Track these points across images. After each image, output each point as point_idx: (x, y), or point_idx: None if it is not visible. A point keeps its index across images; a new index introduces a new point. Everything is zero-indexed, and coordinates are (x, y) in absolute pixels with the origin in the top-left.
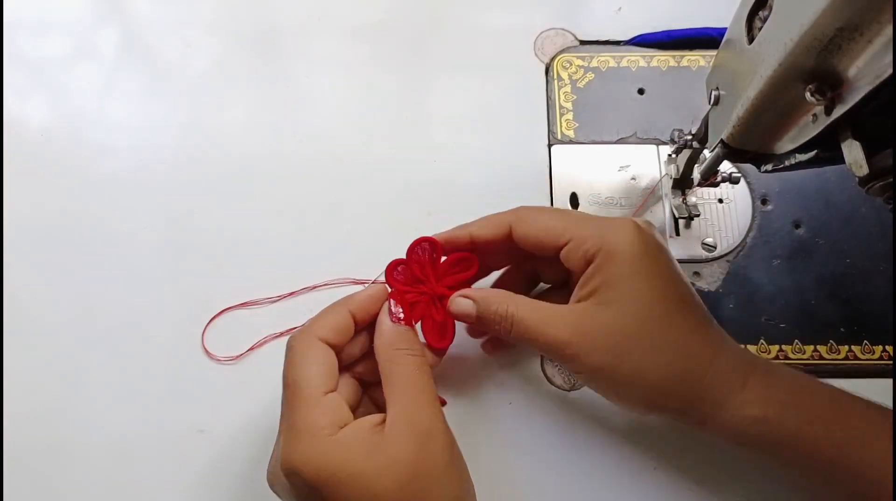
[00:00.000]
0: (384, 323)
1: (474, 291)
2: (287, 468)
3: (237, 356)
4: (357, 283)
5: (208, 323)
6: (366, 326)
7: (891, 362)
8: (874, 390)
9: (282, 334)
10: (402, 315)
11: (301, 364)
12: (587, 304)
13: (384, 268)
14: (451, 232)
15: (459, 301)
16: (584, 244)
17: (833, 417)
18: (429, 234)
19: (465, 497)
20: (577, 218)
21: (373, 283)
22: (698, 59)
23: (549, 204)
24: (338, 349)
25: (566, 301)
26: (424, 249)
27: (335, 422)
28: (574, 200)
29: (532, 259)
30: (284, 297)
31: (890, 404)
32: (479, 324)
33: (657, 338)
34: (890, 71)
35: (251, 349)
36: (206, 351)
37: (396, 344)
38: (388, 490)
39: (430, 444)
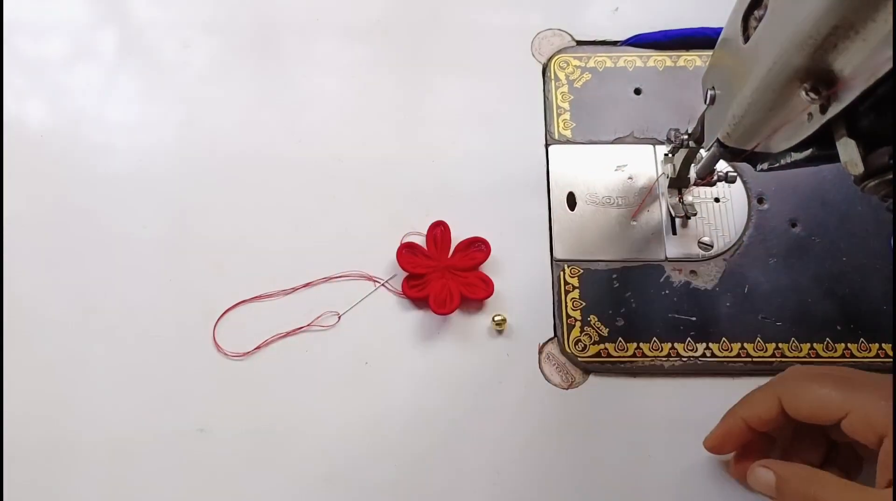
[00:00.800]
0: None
1: (775, 463)
2: None
3: (246, 353)
4: (369, 278)
5: (220, 317)
6: None
7: (887, 359)
8: None
9: (288, 333)
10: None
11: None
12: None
13: (383, 269)
14: (723, 426)
15: (759, 472)
16: (869, 418)
17: None
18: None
19: None
20: (854, 383)
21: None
22: (694, 59)
23: (546, 204)
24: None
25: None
26: (437, 233)
27: None
28: (571, 199)
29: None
30: (298, 289)
31: None
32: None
33: None
34: (885, 69)
35: (259, 347)
36: (218, 346)
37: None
38: None
39: None
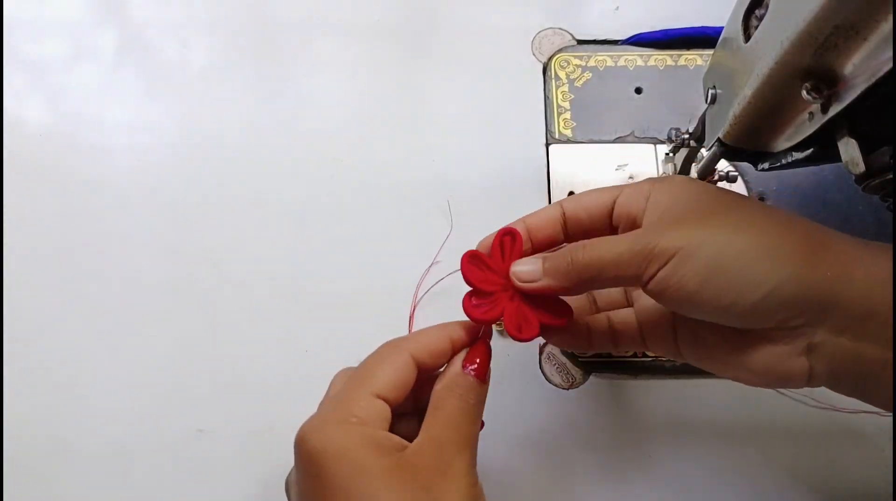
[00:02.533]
0: (454, 366)
1: (540, 254)
2: (299, 437)
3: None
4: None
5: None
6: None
7: None
8: None
9: None
10: (475, 368)
11: (378, 364)
12: (660, 223)
13: (382, 269)
14: (506, 227)
15: (517, 269)
16: (632, 196)
17: None
18: (428, 232)
19: None
20: (622, 185)
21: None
22: (695, 59)
23: (547, 203)
24: (423, 374)
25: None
26: (505, 243)
27: (367, 421)
28: None
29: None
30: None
31: None
32: (549, 285)
33: (743, 213)
34: (886, 68)
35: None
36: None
37: (458, 388)
38: (390, 490)
39: (451, 472)
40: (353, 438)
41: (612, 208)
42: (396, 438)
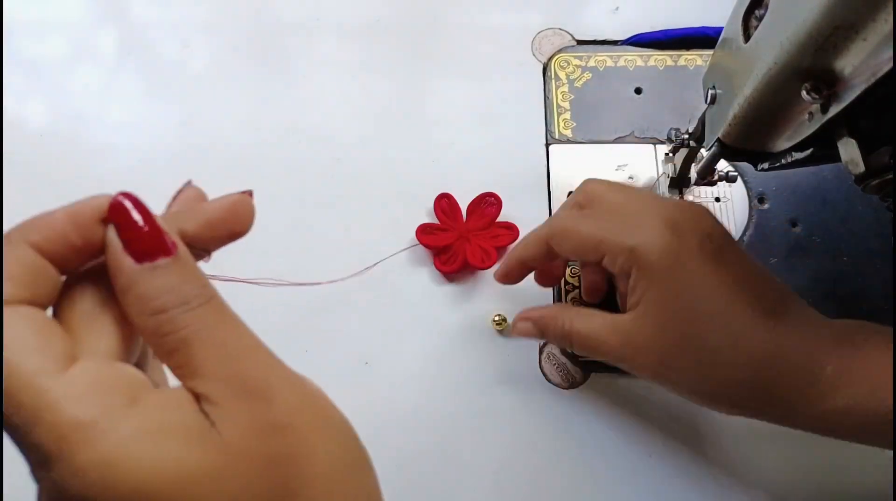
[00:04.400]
0: (124, 267)
1: (532, 311)
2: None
3: None
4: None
5: None
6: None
7: None
8: None
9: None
10: (146, 226)
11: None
12: (633, 315)
13: (383, 268)
14: (503, 266)
15: (521, 326)
16: (618, 260)
17: None
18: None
19: (363, 482)
20: (609, 227)
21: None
22: (695, 59)
23: (547, 203)
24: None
25: None
26: (444, 205)
27: (114, 403)
28: None
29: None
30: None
31: None
32: (547, 339)
33: (701, 349)
34: (886, 68)
35: None
36: None
37: (172, 298)
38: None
39: (282, 409)
40: (144, 456)
41: (599, 258)
42: (171, 395)
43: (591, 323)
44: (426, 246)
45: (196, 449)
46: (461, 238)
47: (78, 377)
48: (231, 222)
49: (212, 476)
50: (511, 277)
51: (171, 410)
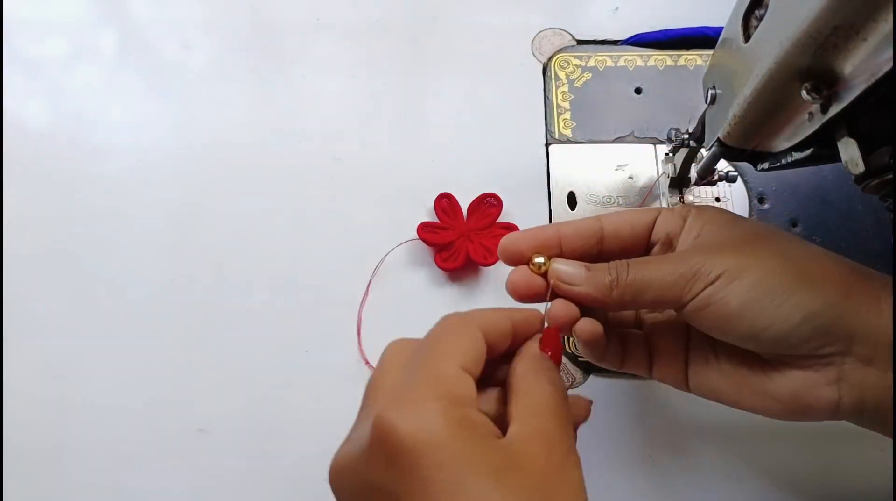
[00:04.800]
0: (533, 348)
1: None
2: (381, 419)
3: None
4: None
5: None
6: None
7: None
8: None
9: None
10: (551, 353)
11: (450, 338)
12: (695, 246)
13: (383, 268)
14: (531, 231)
15: (560, 268)
16: (671, 218)
17: None
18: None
19: None
20: (658, 208)
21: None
22: (695, 59)
23: (547, 203)
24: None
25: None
26: (444, 204)
27: (463, 400)
28: (572, 199)
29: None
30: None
31: None
32: (589, 293)
33: (782, 244)
34: (886, 68)
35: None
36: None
37: (546, 371)
38: (503, 496)
39: (566, 478)
40: (453, 423)
41: (652, 227)
42: (491, 424)
43: (653, 262)
44: (427, 242)
45: (491, 452)
46: (462, 237)
47: (468, 380)
48: None
49: (496, 474)
50: (532, 241)
51: (485, 426)
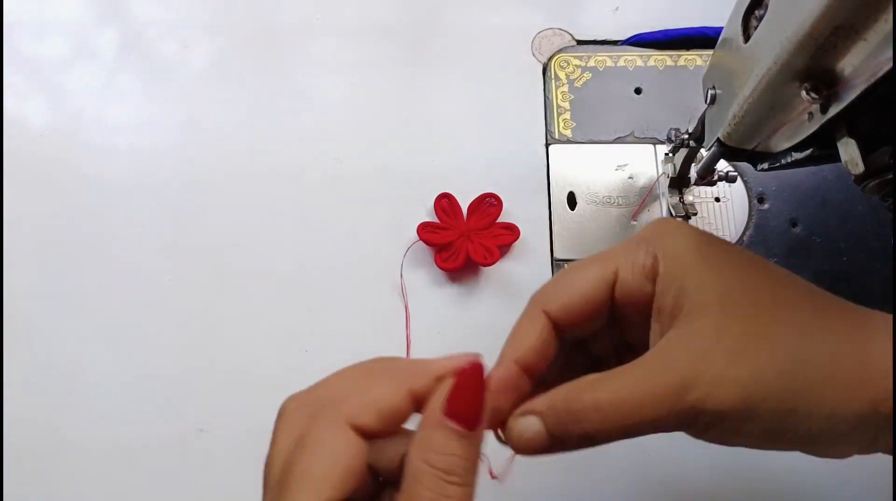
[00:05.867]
0: (431, 415)
1: (534, 402)
2: None
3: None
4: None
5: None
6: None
7: None
8: None
9: None
10: (460, 413)
11: (311, 451)
12: (679, 327)
13: (383, 268)
14: (497, 375)
15: (520, 422)
16: (637, 261)
17: None
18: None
19: None
20: (610, 250)
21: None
22: (695, 59)
23: (546, 203)
24: (375, 438)
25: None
26: (444, 204)
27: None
28: (571, 199)
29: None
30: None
31: None
32: (554, 446)
33: (789, 316)
34: (885, 68)
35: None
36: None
37: (437, 455)
38: None
39: None
40: None
41: (611, 291)
42: None
43: (621, 381)
44: (427, 242)
45: None
46: (462, 237)
47: None
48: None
49: None
50: (510, 399)
51: None
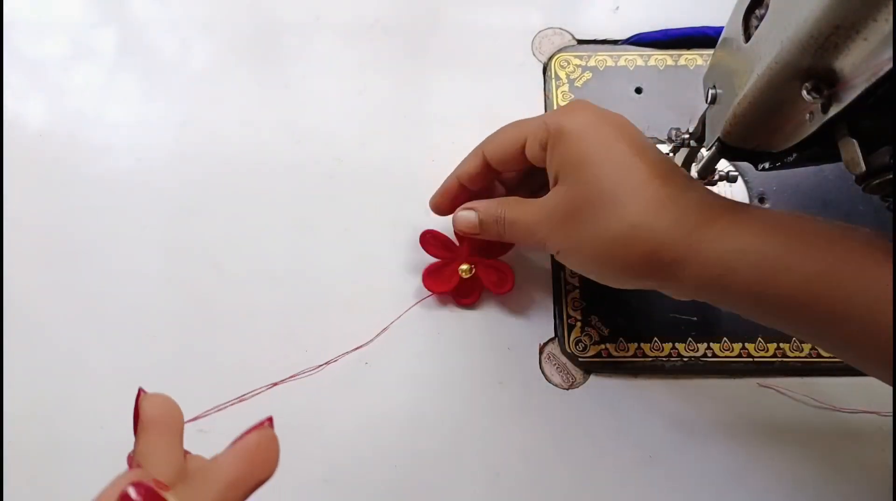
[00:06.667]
0: None
1: (476, 203)
2: None
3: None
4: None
5: None
6: None
7: None
8: (874, 386)
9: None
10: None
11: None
12: (550, 190)
13: (382, 268)
14: (442, 187)
15: (463, 214)
16: (538, 135)
17: (826, 248)
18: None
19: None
20: (532, 118)
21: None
22: (696, 58)
23: None
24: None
25: None
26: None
27: None
28: None
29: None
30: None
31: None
32: (481, 233)
33: (604, 196)
34: (886, 68)
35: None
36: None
37: None
38: None
39: None
40: None
41: (522, 150)
42: None
43: (520, 206)
44: (440, 293)
45: None
46: (454, 261)
47: None
48: (257, 473)
49: None
50: (446, 202)
51: None
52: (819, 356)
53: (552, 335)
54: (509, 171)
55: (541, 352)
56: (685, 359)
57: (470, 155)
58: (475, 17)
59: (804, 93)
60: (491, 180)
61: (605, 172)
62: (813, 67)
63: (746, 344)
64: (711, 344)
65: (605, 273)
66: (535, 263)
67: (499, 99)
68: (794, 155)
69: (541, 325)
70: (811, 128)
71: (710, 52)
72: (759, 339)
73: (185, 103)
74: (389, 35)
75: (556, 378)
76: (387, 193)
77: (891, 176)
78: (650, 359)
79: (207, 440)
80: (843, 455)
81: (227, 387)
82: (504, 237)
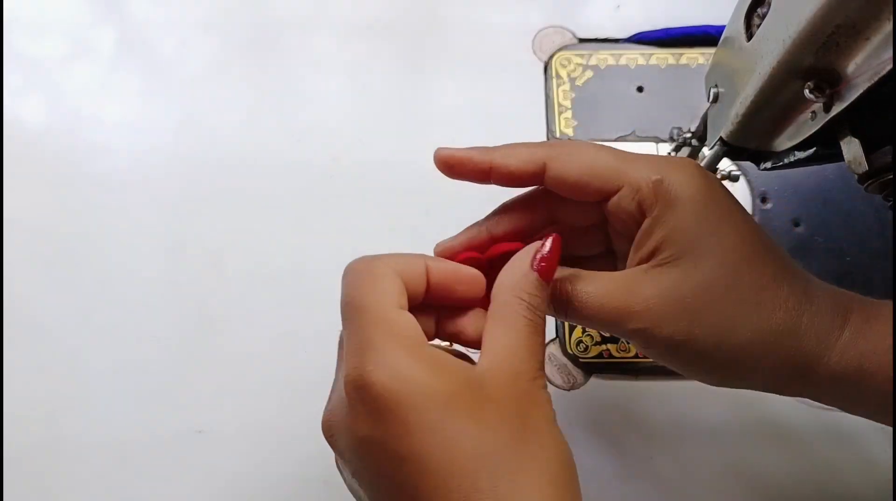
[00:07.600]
0: (520, 264)
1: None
2: (353, 381)
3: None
4: None
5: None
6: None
7: None
8: None
9: None
10: (544, 263)
11: (371, 286)
12: (649, 266)
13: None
14: (468, 153)
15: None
16: (640, 192)
17: None
18: (427, 233)
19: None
20: (631, 157)
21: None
22: (697, 57)
23: None
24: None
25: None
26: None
27: (415, 337)
28: None
29: (560, 220)
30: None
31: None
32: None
33: (739, 291)
34: (888, 67)
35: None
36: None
37: (525, 292)
38: (481, 433)
39: (534, 404)
40: (417, 365)
41: (613, 188)
42: (450, 357)
43: (598, 284)
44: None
45: (466, 389)
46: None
47: (408, 317)
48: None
49: (467, 407)
50: (461, 170)
51: (446, 359)
52: None
53: (553, 335)
54: (565, 208)
55: None
56: None
57: (521, 148)
58: (475, 16)
59: (806, 92)
60: (536, 207)
61: (734, 260)
62: (815, 66)
63: None
64: None
65: (724, 375)
66: None
67: (499, 98)
68: (797, 154)
69: None
70: (813, 127)
71: (712, 50)
72: None
73: (184, 103)
74: (389, 34)
75: (557, 379)
76: (386, 192)
77: (893, 176)
78: (650, 360)
79: (206, 440)
80: (843, 455)
81: (225, 388)
82: (565, 318)
